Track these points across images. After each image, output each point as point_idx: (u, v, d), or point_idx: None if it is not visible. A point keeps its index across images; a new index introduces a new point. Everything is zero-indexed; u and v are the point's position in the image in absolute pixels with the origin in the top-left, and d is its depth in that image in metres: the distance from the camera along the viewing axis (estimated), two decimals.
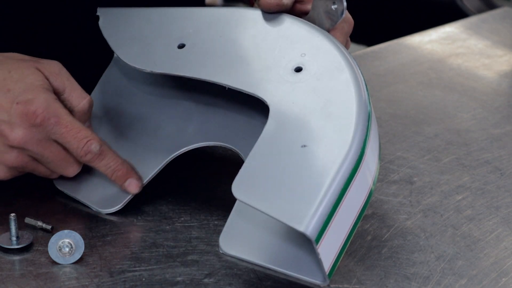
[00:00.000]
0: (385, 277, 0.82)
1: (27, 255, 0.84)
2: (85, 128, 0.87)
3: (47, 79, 0.87)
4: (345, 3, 0.88)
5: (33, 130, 0.85)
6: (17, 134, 0.84)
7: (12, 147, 0.85)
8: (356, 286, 0.80)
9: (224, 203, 0.90)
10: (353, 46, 0.98)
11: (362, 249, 0.86)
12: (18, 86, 0.85)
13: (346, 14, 0.93)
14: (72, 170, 0.89)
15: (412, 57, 1.39)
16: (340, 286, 0.80)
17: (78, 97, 0.88)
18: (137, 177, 0.90)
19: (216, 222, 0.90)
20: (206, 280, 0.81)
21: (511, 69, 1.37)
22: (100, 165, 0.88)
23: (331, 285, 0.80)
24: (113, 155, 0.88)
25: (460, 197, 0.96)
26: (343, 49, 0.85)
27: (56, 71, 0.88)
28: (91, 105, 0.89)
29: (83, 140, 0.85)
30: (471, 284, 0.81)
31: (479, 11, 1.91)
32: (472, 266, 0.84)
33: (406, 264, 0.84)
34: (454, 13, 1.92)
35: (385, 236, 0.88)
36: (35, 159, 0.87)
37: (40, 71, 0.87)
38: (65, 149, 0.87)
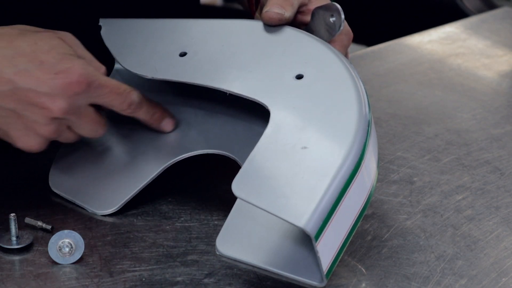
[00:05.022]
0: (385, 277, 0.82)
1: (27, 255, 0.84)
2: (120, 82, 0.88)
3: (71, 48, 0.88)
4: (343, 16, 0.88)
5: (75, 98, 0.84)
6: (61, 105, 0.84)
7: (54, 118, 0.85)
8: (356, 286, 0.80)
9: (224, 203, 0.90)
10: (353, 46, 0.98)
11: (362, 249, 0.86)
12: (51, 56, 0.85)
13: (346, 27, 0.93)
14: (100, 131, 0.89)
15: (412, 57, 1.39)
16: (339, 286, 0.80)
17: (96, 64, 0.89)
18: (171, 116, 0.93)
19: (216, 222, 0.90)
20: (206, 280, 0.81)
21: (511, 69, 1.37)
22: (140, 113, 0.90)
23: (331, 286, 0.80)
24: (148, 100, 0.90)
25: (460, 197, 0.96)
26: (342, 57, 0.86)
27: (74, 41, 0.89)
28: (106, 74, 0.90)
29: (124, 93, 0.87)
30: (471, 284, 0.81)
31: (479, 11, 1.90)
32: (472, 266, 0.84)
33: (406, 264, 0.84)
34: (454, 13, 1.92)
35: (385, 236, 0.88)
36: (69, 127, 0.87)
37: (63, 41, 0.88)
38: (96, 111, 0.87)
